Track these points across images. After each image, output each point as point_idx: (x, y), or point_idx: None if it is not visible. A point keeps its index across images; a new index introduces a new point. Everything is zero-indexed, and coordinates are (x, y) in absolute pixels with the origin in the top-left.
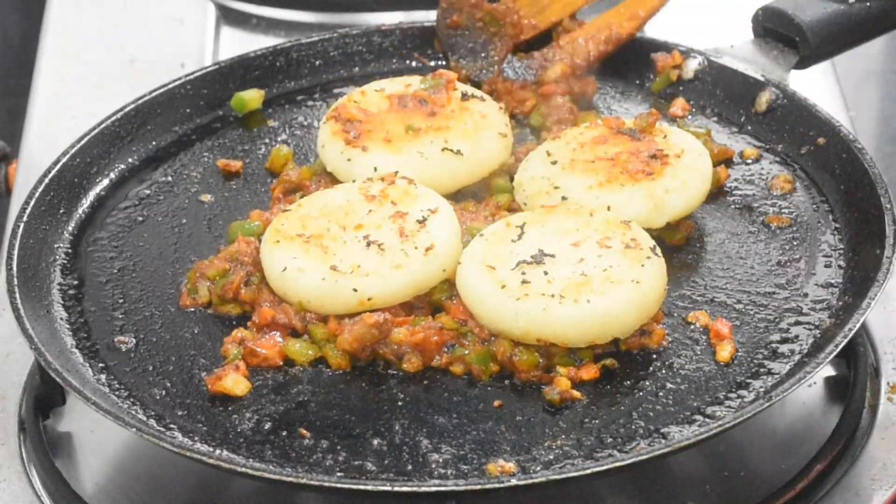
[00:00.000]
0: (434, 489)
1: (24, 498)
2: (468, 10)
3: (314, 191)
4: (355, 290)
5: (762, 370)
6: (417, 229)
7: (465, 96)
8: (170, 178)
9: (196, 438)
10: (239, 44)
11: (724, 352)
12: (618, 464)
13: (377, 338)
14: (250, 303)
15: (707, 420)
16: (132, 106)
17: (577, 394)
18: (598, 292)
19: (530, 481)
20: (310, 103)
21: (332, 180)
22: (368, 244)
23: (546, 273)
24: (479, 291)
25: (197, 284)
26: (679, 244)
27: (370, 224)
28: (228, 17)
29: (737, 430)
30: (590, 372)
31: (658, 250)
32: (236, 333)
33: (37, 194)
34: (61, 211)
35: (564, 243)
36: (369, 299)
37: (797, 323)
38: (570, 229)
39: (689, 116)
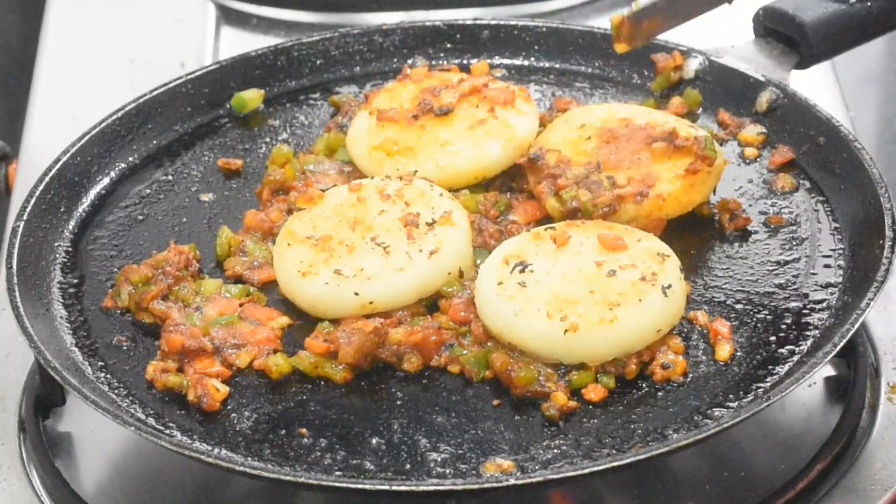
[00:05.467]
0: (432, 488)
1: (24, 498)
2: None
3: (301, 189)
4: (357, 294)
5: (761, 370)
6: (426, 232)
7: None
8: (170, 177)
9: (195, 437)
10: (239, 44)
11: (723, 351)
12: (616, 463)
13: (377, 343)
14: (160, 318)
15: (706, 420)
16: (133, 105)
17: (574, 404)
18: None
19: (528, 480)
20: (311, 102)
21: (318, 179)
22: (375, 246)
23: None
24: (532, 330)
25: (121, 288)
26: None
27: (380, 225)
28: (228, 17)
29: (737, 430)
30: (598, 393)
31: (674, 289)
32: (151, 370)
33: (37, 193)
34: (62, 209)
35: (589, 263)
36: (371, 303)
37: (796, 323)
38: (595, 246)
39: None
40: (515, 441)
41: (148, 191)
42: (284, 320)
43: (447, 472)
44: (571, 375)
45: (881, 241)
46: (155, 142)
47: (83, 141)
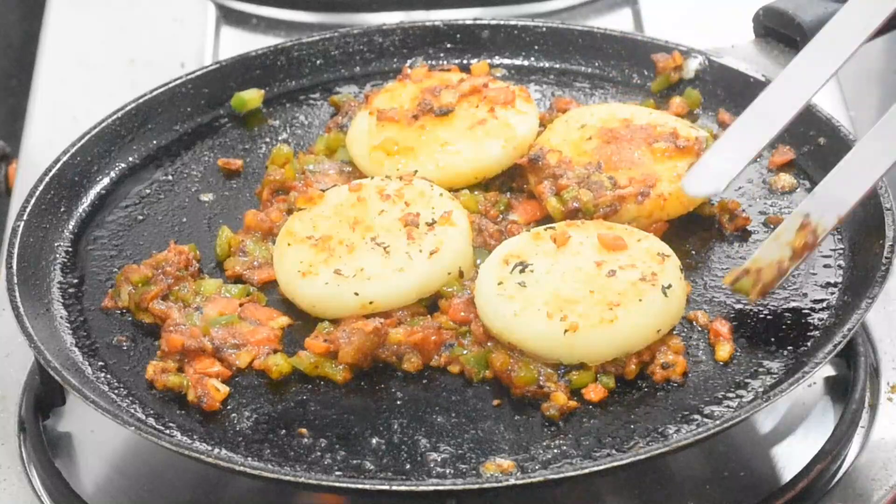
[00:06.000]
0: (432, 488)
1: (24, 498)
2: None
3: (301, 189)
4: (356, 294)
5: (761, 370)
6: (425, 232)
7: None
8: (170, 177)
9: (195, 437)
10: (239, 44)
11: (723, 351)
12: (616, 463)
13: (377, 343)
14: (160, 318)
15: (706, 420)
16: (133, 105)
17: (574, 404)
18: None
19: (528, 480)
20: (311, 102)
21: (318, 179)
22: (375, 246)
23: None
24: (532, 329)
25: (121, 288)
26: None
27: (380, 225)
28: (228, 17)
29: (737, 429)
30: (598, 393)
31: (674, 289)
32: (151, 370)
33: (37, 193)
34: (62, 209)
35: (589, 262)
36: (371, 303)
37: (796, 323)
38: (595, 246)
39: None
40: (515, 441)
41: (148, 191)
42: (284, 320)
43: (447, 472)
44: (571, 375)
45: (881, 241)
46: (155, 142)
47: (83, 141)
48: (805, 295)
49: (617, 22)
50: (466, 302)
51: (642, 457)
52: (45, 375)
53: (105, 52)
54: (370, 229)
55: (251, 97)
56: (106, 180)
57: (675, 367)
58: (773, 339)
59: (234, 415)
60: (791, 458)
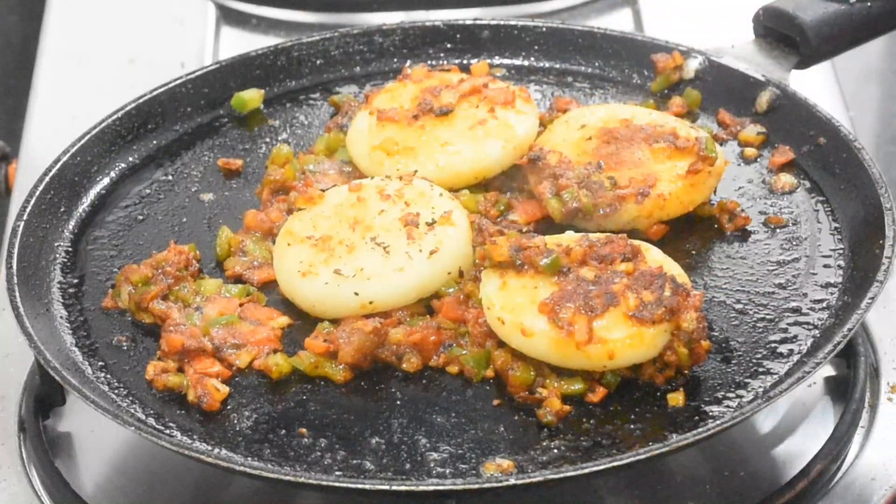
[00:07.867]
0: (432, 488)
1: (24, 498)
2: None
3: (301, 189)
4: (356, 294)
5: (761, 370)
6: (425, 232)
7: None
8: (170, 177)
9: (195, 437)
10: (239, 44)
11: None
12: (616, 463)
13: (377, 343)
14: (160, 318)
15: (706, 420)
16: (133, 105)
17: (568, 408)
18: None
19: (528, 480)
20: (311, 102)
21: (318, 179)
22: (375, 246)
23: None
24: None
25: (121, 288)
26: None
27: (380, 225)
28: (228, 17)
29: (737, 429)
30: (598, 394)
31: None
32: (151, 370)
33: (37, 193)
34: (62, 209)
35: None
36: (370, 303)
37: (796, 323)
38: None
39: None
40: (515, 441)
41: (148, 191)
42: (284, 320)
43: (447, 472)
44: (563, 384)
45: (881, 241)
46: (155, 142)
47: (83, 141)
48: (805, 295)
49: (617, 22)
50: (459, 300)
51: (642, 457)
52: (45, 375)
53: (105, 52)
54: (370, 229)
55: (251, 97)
56: (106, 180)
57: (673, 367)
58: (773, 339)
59: (234, 415)
60: (791, 458)
